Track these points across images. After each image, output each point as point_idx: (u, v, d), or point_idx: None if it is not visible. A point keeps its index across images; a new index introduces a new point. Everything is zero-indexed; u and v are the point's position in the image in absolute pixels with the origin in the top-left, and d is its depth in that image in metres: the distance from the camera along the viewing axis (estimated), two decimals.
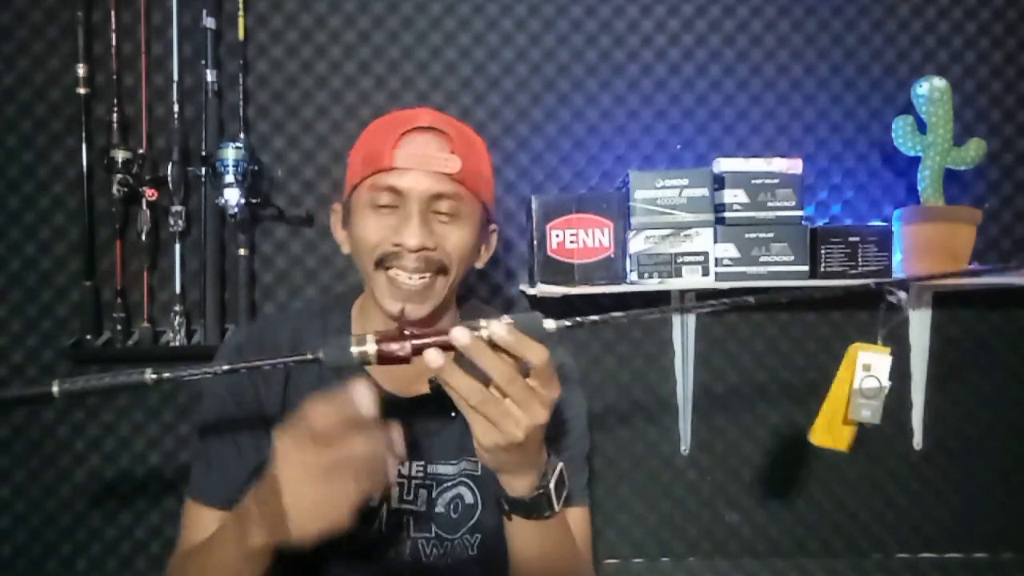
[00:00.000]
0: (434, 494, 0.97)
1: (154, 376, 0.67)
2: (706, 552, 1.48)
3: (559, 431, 0.97)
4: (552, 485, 0.77)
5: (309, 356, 0.68)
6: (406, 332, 0.68)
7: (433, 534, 0.97)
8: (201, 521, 0.92)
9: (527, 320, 0.68)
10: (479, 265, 1.00)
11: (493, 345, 0.67)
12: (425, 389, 0.98)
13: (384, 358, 0.68)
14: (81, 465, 1.40)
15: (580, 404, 1.02)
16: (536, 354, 0.67)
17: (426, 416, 0.96)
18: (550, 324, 0.69)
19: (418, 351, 0.67)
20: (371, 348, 0.67)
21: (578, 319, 0.71)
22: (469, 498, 0.98)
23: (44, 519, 1.41)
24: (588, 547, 0.99)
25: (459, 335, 0.65)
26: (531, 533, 0.81)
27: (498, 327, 0.66)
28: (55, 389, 0.67)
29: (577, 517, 0.96)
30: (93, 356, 1.36)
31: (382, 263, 0.88)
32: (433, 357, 0.65)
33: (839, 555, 1.49)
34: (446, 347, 0.67)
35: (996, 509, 1.50)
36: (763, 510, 1.48)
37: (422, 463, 0.97)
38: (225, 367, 0.69)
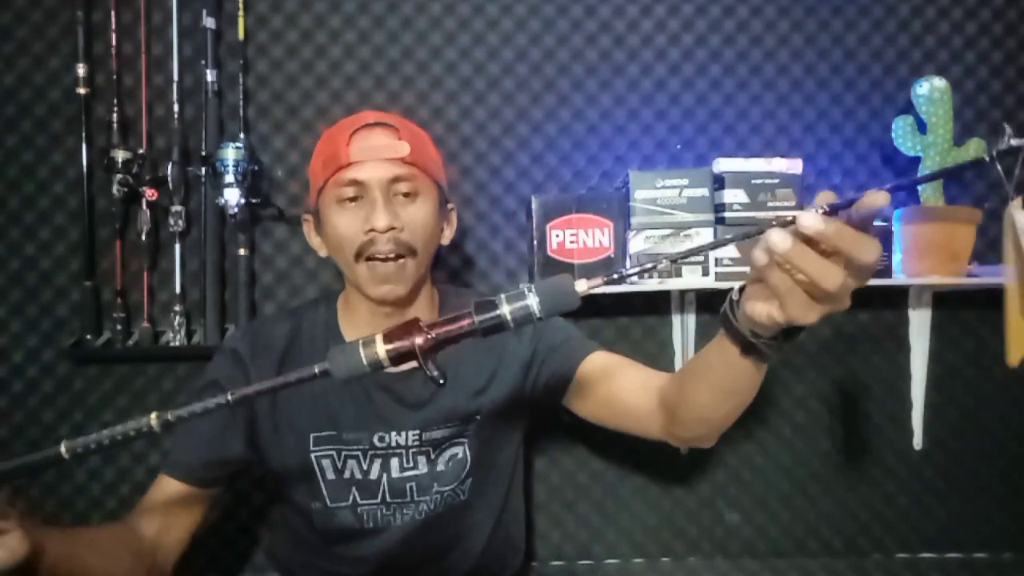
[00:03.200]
0: (433, 456, 1.04)
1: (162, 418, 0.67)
2: (706, 552, 1.48)
3: (565, 338, 1.10)
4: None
5: (316, 371, 0.65)
6: (418, 324, 0.65)
7: (435, 491, 1.04)
8: (159, 488, 1.02)
9: (555, 286, 0.63)
10: (444, 242, 1.09)
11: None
12: (413, 362, 1.00)
13: (397, 358, 0.64)
14: (81, 465, 1.40)
15: (564, 325, 1.13)
16: (868, 252, 0.58)
17: (417, 387, 1.03)
18: (581, 285, 0.63)
19: (438, 342, 0.64)
20: (381, 350, 0.64)
21: (614, 275, 0.63)
22: (461, 454, 1.06)
23: (44, 519, 1.40)
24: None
25: (777, 239, 0.57)
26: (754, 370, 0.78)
27: (813, 220, 0.56)
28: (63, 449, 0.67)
29: (605, 356, 1.08)
30: (93, 356, 1.37)
31: (361, 254, 0.97)
32: (778, 239, 0.56)
33: (839, 555, 1.49)
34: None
35: (996, 509, 1.50)
36: (763, 510, 1.48)
37: (417, 432, 1.03)
38: (241, 392, 0.67)
